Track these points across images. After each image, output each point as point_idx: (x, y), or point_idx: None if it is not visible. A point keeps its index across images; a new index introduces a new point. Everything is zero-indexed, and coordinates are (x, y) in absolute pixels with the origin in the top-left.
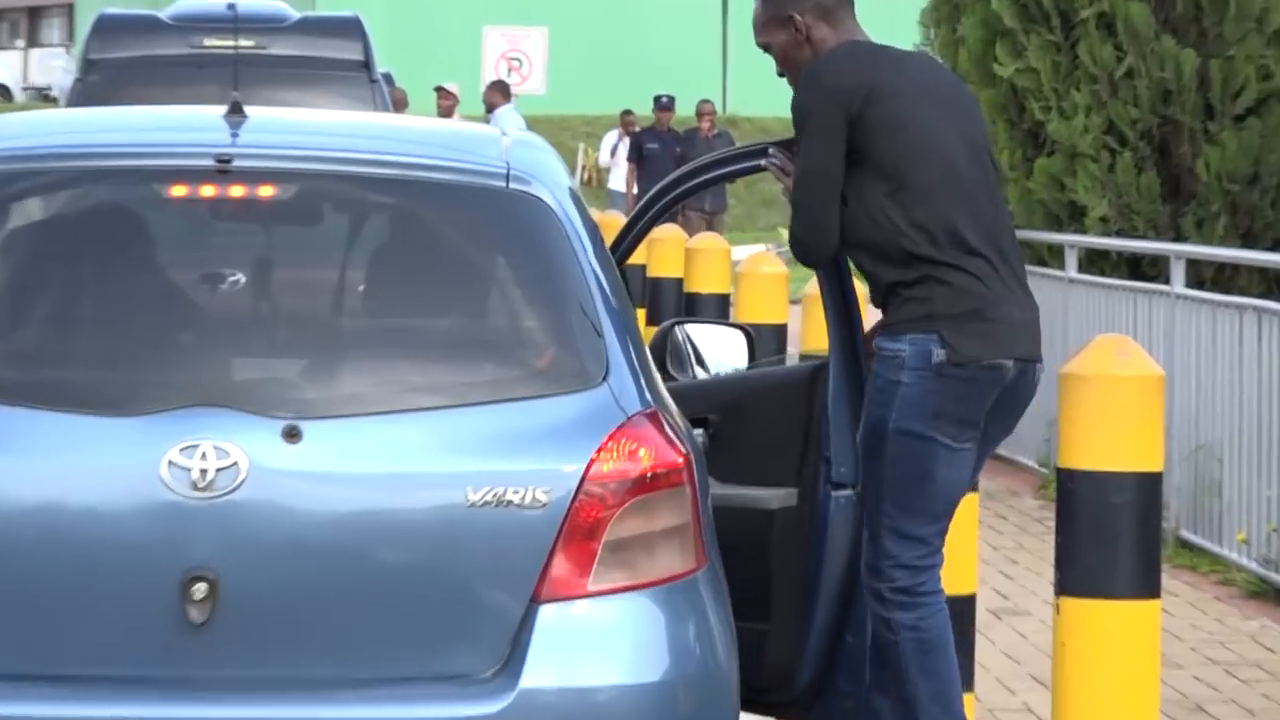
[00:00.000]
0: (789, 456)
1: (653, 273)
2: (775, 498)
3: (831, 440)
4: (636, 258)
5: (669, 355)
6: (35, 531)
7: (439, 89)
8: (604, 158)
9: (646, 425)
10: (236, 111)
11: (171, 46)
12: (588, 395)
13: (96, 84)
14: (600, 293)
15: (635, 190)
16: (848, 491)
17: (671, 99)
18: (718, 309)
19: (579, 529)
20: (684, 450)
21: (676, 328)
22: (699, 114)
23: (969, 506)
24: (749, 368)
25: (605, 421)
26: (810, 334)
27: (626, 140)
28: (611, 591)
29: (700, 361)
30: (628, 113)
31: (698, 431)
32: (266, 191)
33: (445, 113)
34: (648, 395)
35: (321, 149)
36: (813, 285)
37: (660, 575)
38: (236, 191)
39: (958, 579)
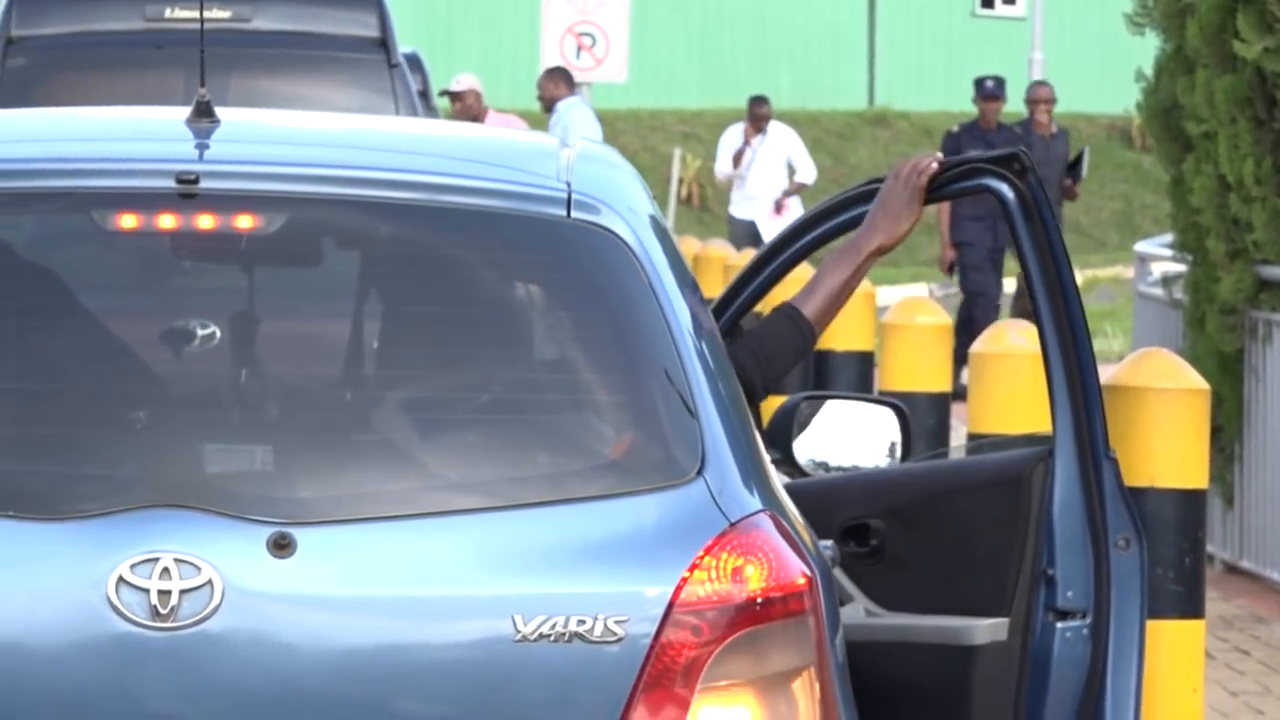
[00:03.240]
0: (994, 575)
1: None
2: (977, 630)
3: (1058, 555)
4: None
5: (795, 441)
6: None
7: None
8: (722, 167)
9: (757, 533)
10: (204, 114)
11: (120, 19)
12: (677, 494)
13: (19, 71)
14: (695, 357)
15: (949, 215)
16: (1078, 622)
17: (1000, 83)
18: (857, 371)
19: (666, 672)
20: (809, 568)
21: (806, 403)
22: (1031, 103)
23: (1191, 637)
24: (905, 459)
25: (701, 529)
26: (982, 406)
27: (758, 142)
28: None
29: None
30: (759, 101)
31: (825, 545)
32: (245, 222)
33: (469, 117)
34: (757, 493)
35: (319, 164)
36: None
37: None
38: (205, 222)
39: None
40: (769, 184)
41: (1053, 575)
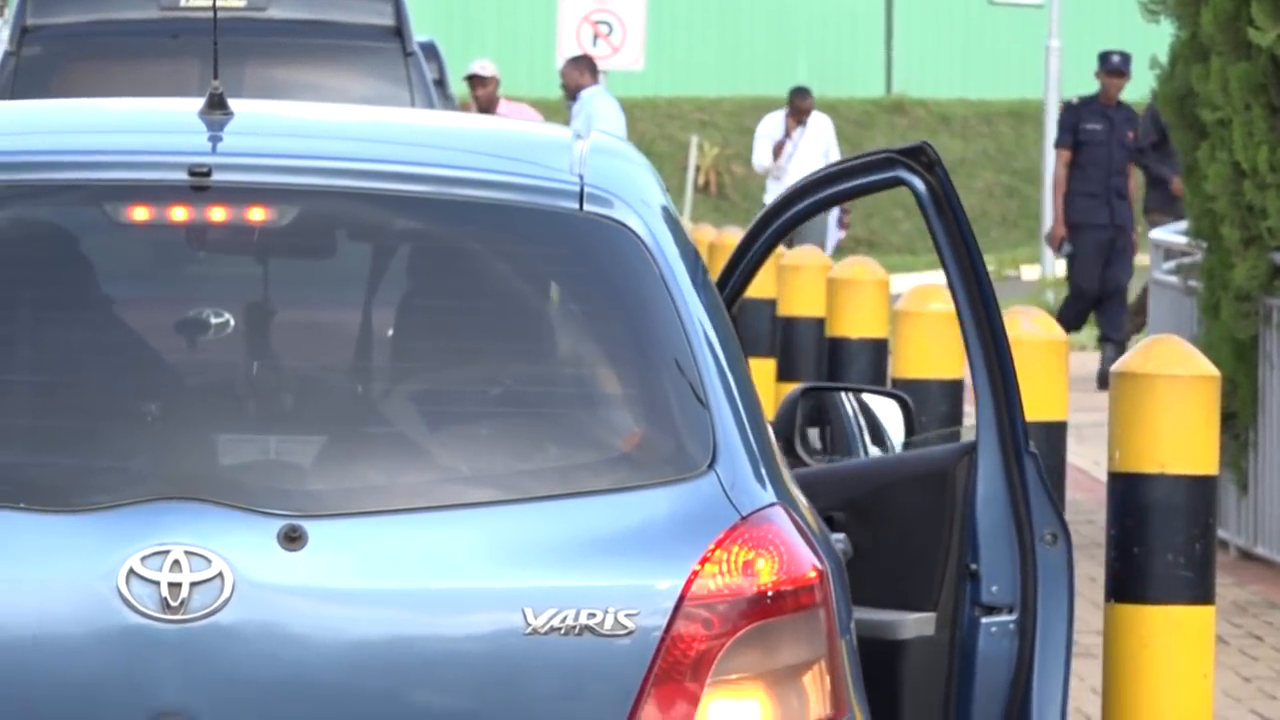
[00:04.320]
0: (924, 570)
1: (785, 311)
2: (905, 625)
3: (982, 550)
4: (764, 291)
5: (799, 434)
6: None
7: (470, 77)
8: (761, 159)
9: (768, 527)
10: (217, 106)
11: (135, 7)
12: (688, 487)
13: (34, 60)
14: (706, 349)
15: (1064, 193)
16: (1004, 618)
17: (1126, 59)
18: (871, 359)
19: (676, 666)
20: (820, 562)
21: (809, 395)
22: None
23: (1202, 623)
24: (904, 446)
25: (712, 522)
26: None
27: (798, 135)
28: None
29: (853, 437)
30: (802, 93)
31: (837, 538)
32: (258, 215)
33: (485, 104)
34: (769, 487)
35: (331, 157)
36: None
37: None
38: (217, 215)
39: None
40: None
41: (976, 570)
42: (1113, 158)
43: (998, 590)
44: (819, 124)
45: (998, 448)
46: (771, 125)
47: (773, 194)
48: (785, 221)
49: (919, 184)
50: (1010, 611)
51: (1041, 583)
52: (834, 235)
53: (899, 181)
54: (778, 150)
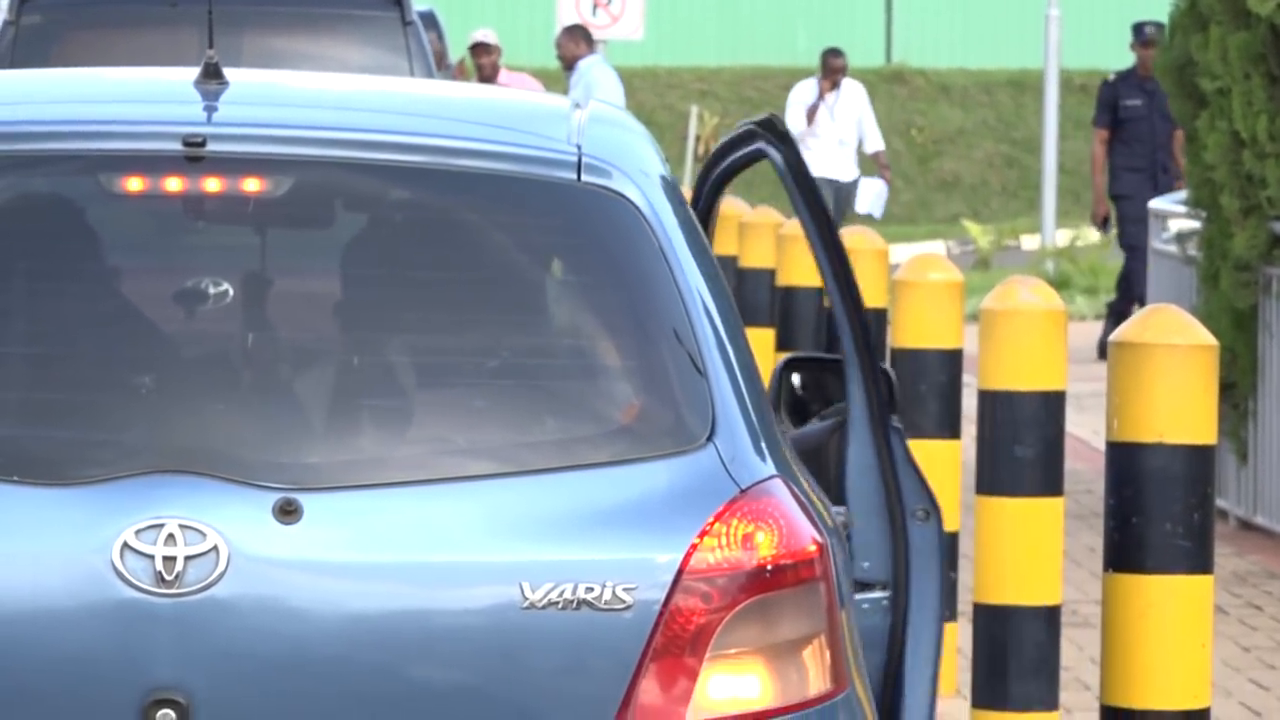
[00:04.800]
0: None
1: (784, 280)
2: None
3: (853, 526)
4: (764, 261)
5: (784, 406)
6: None
7: (475, 45)
8: (795, 124)
9: (768, 500)
10: (213, 75)
11: None
12: (687, 460)
13: (33, 29)
14: (705, 321)
15: (1104, 175)
16: (877, 594)
17: (1161, 29)
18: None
19: (675, 640)
20: (820, 535)
21: (792, 366)
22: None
23: (1200, 592)
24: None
25: (710, 495)
26: (993, 363)
27: (832, 99)
28: None
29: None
30: (834, 54)
31: (837, 510)
32: (252, 185)
33: (487, 74)
34: (769, 459)
35: (327, 127)
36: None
37: (784, 702)
38: (212, 185)
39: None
40: (842, 143)
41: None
42: (1155, 131)
43: (869, 566)
44: (852, 89)
45: (867, 424)
46: (804, 91)
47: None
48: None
49: (777, 156)
50: (884, 588)
51: (913, 560)
52: (876, 194)
53: (762, 154)
54: (811, 114)
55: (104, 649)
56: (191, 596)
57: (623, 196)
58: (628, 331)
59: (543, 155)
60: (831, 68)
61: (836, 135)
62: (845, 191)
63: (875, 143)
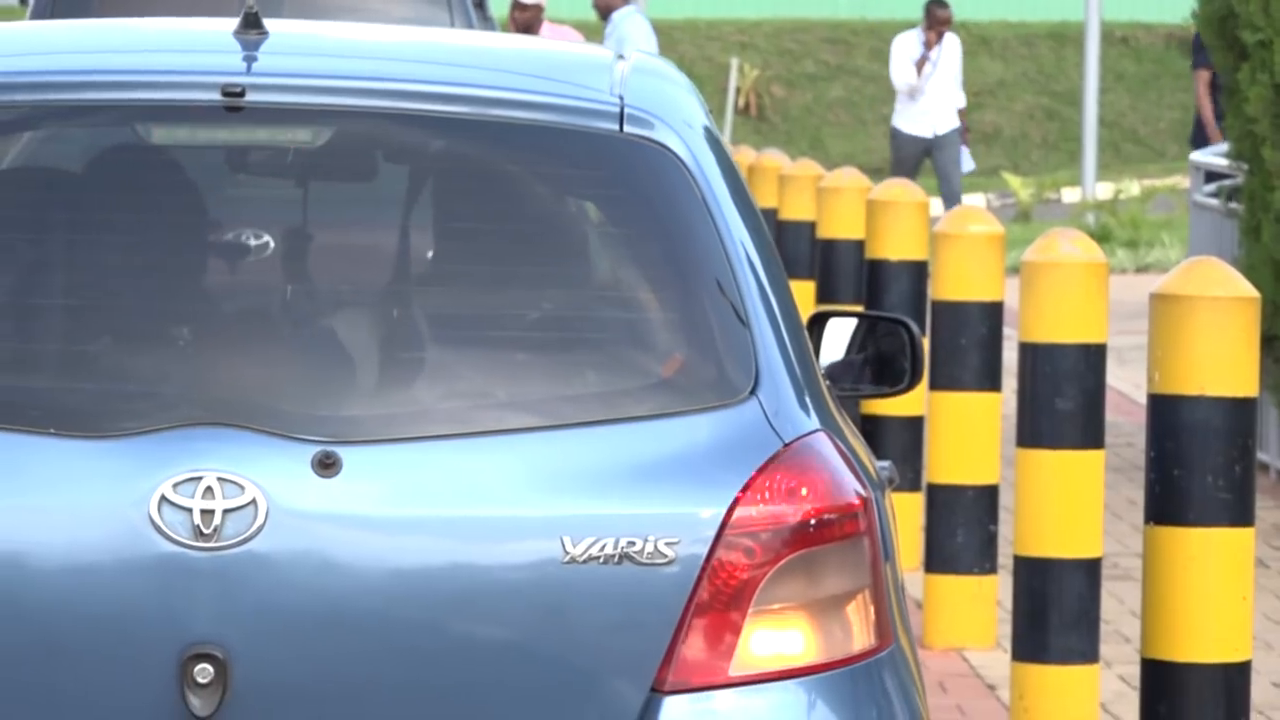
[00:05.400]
0: None
1: (824, 233)
2: None
3: None
4: (804, 213)
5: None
6: None
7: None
8: (906, 77)
9: (812, 454)
10: (252, 25)
11: None
12: (730, 413)
13: None
14: (749, 273)
15: (1210, 112)
16: None
17: None
18: (911, 282)
19: (718, 594)
20: (864, 489)
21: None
22: None
23: (1241, 545)
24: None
25: (754, 449)
26: (1033, 316)
27: (935, 53)
28: (761, 679)
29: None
30: (940, 4)
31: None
32: (292, 135)
33: (525, 28)
34: (813, 413)
35: (367, 77)
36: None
37: (828, 658)
38: (251, 135)
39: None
40: (945, 98)
41: None
42: None
43: None
44: (952, 42)
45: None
46: (908, 43)
47: (903, 115)
48: None
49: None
50: None
51: None
52: (964, 150)
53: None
54: (920, 66)
55: (142, 603)
56: (229, 550)
57: (665, 147)
58: (670, 283)
59: (585, 106)
60: (937, 19)
61: (941, 88)
62: (941, 142)
63: (961, 98)
